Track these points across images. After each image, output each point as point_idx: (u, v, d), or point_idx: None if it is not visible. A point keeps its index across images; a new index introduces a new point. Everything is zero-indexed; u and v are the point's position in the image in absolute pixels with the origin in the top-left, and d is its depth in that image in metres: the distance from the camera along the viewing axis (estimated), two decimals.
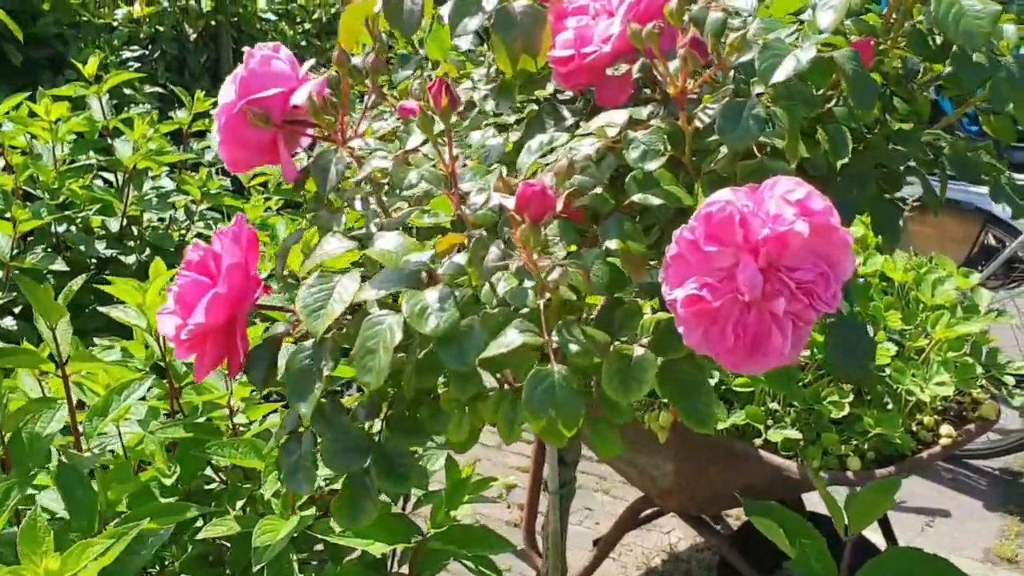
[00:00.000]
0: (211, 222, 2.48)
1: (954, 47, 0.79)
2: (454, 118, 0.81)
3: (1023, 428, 2.86)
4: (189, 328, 0.76)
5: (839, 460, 1.65)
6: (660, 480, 1.83)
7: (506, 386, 0.76)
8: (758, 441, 1.66)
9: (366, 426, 0.85)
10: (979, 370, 1.75)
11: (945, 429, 1.71)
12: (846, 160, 0.77)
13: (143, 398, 1.57)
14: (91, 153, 2.36)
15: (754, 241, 0.65)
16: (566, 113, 0.88)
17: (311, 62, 0.89)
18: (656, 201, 0.70)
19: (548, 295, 0.67)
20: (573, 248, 0.75)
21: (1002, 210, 2.71)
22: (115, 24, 4.77)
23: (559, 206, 0.64)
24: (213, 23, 5.05)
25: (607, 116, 0.74)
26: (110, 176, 2.45)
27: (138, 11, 4.82)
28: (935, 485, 2.83)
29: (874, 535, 1.90)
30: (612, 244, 0.69)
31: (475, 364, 0.67)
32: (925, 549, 2.47)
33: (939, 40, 0.80)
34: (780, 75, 0.69)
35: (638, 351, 0.72)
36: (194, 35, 4.96)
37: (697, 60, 0.69)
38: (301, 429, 0.83)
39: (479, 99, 0.91)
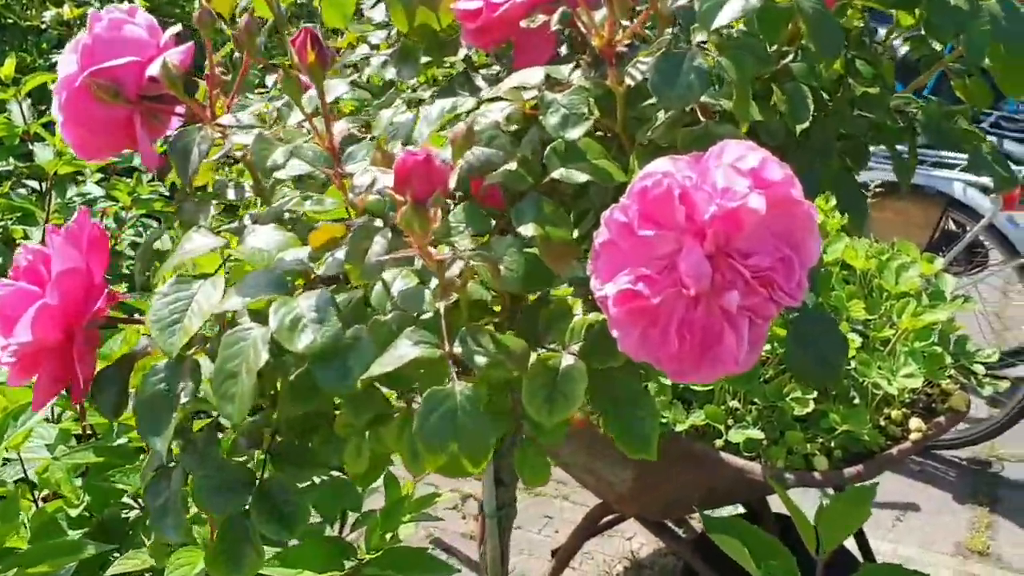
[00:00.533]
0: (143, 229, 2.33)
1: None
2: (346, 90, 0.68)
3: (992, 417, 2.78)
4: (12, 348, 0.62)
5: (805, 459, 1.55)
6: (618, 486, 1.72)
7: (414, 406, 0.63)
8: (719, 442, 1.55)
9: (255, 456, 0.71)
10: (948, 360, 1.65)
11: (915, 423, 1.62)
12: (806, 126, 0.65)
13: (49, 420, 1.42)
14: (10, 159, 2.21)
15: (699, 221, 0.52)
16: (481, 82, 0.75)
17: (176, 27, 0.75)
18: (581, 177, 0.57)
19: (456, 296, 0.54)
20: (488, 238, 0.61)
21: (963, 193, 2.63)
22: (43, 27, 4.56)
23: (453, 182, 0.51)
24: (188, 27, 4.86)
25: (521, 76, 0.61)
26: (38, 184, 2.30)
27: (68, 13, 4.61)
28: (903, 478, 2.74)
29: None
30: (528, 230, 0.56)
31: (358, 385, 0.54)
32: (897, 545, 2.37)
33: None
34: (724, 17, 0.57)
35: (566, 360, 0.59)
36: None
37: (626, 4, 0.56)
38: (172, 464, 0.69)
39: (378, 66, 0.77)
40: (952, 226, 2.91)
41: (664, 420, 1.57)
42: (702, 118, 0.62)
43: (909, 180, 0.80)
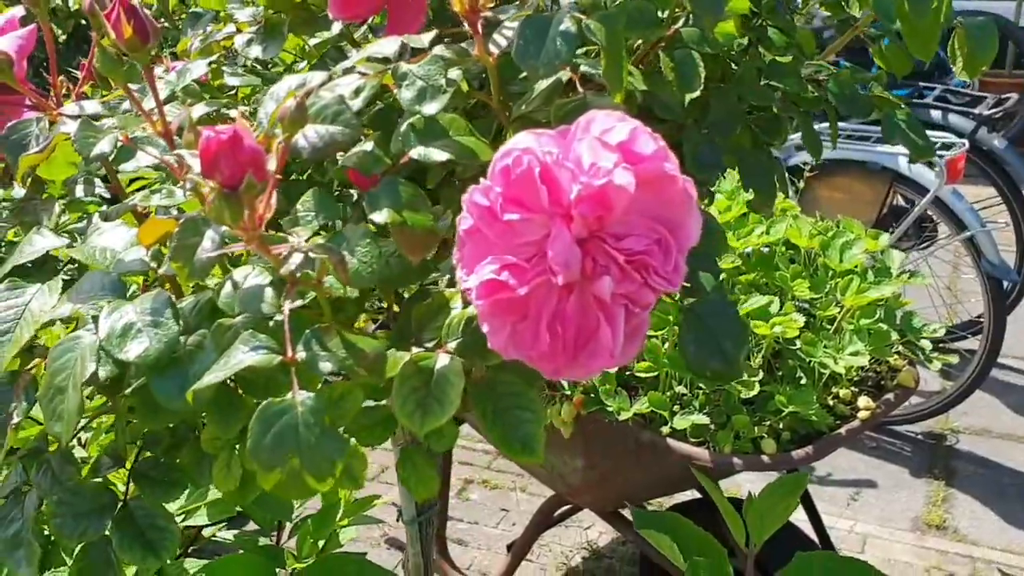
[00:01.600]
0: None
1: None
2: (204, 71, 0.62)
3: (944, 390, 2.78)
4: None
5: (753, 443, 1.51)
6: (570, 477, 1.68)
7: None
8: (666, 429, 1.51)
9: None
10: (895, 336, 1.62)
11: (863, 401, 1.59)
12: (698, 96, 0.59)
13: None
14: None
15: (566, 203, 0.47)
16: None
17: (16, 10, 0.68)
18: (441, 156, 0.51)
19: (311, 295, 0.48)
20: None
21: (908, 168, 2.60)
22: None
23: (273, 163, 0.45)
24: (84, 22, 4.73)
25: (375, 46, 0.55)
26: None
27: None
28: (859, 455, 2.73)
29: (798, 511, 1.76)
30: (381, 217, 0.50)
31: (189, 399, 0.48)
32: (855, 523, 2.35)
33: None
34: None
35: (441, 360, 0.53)
36: (64, 36, 4.63)
37: None
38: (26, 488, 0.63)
39: (241, 45, 0.71)
40: (901, 201, 2.89)
41: (608, 408, 1.52)
42: (580, 89, 0.56)
43: (819, 154, 0.75)
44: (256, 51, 0.70)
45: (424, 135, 0.52)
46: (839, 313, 1.63)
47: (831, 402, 1.60)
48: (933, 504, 2.53)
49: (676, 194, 0.48)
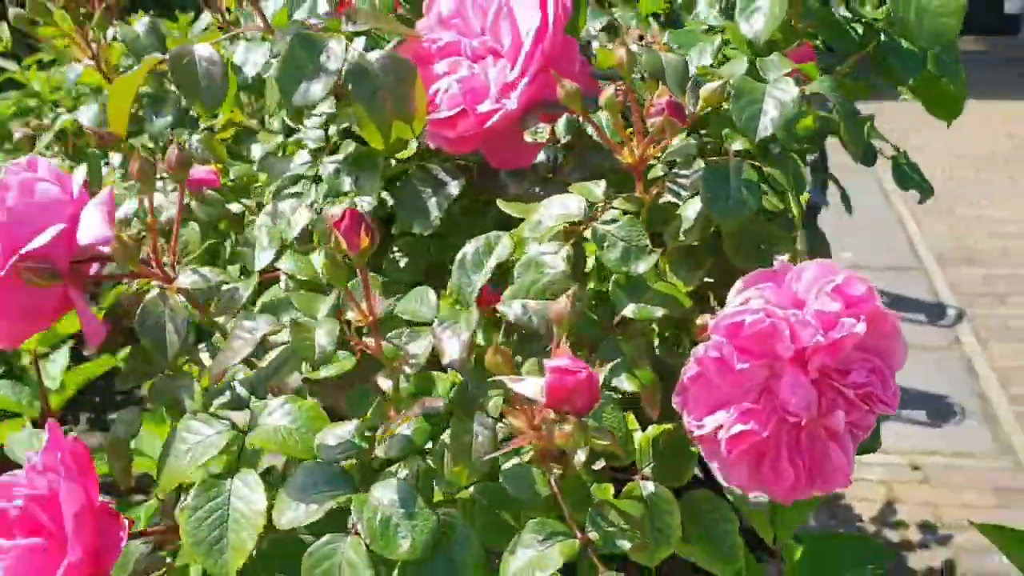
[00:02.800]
0: None
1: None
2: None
3: None
4: None
5: None
6: None
7: None
8: None
9: None
10: None
11: None
12: None
13: None
14: None
15: (800, 350, 0.52)
16: (443, 176, 0.69)
17: (82, 172, 0.63)
18: (657, 312, 0.54)
19: (559, 469, 0.50)
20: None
21: None
22: None
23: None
24: None
25: (557, 206, 0.56)
26: None
27: None
28: None
29: None
30: (627, 385, 0.53)
31: None
32: None
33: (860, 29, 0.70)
34: (767, 128, 0.55)
35: (647, 488, 0.57)
36: None
37: (676, 126, 0.53)
38: None
39: (328, 176, 0.69)
40: None
41: None
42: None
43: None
44: (347, 184, 0.68)
45: (631, 291, 0.55)
46: None
47: None
48: None
49: (888, 327, 0.54)
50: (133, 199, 0.82)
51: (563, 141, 0.60)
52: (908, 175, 0.82)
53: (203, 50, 0.65)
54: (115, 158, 0.95)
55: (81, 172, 0.63)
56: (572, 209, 0.56)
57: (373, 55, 0.62)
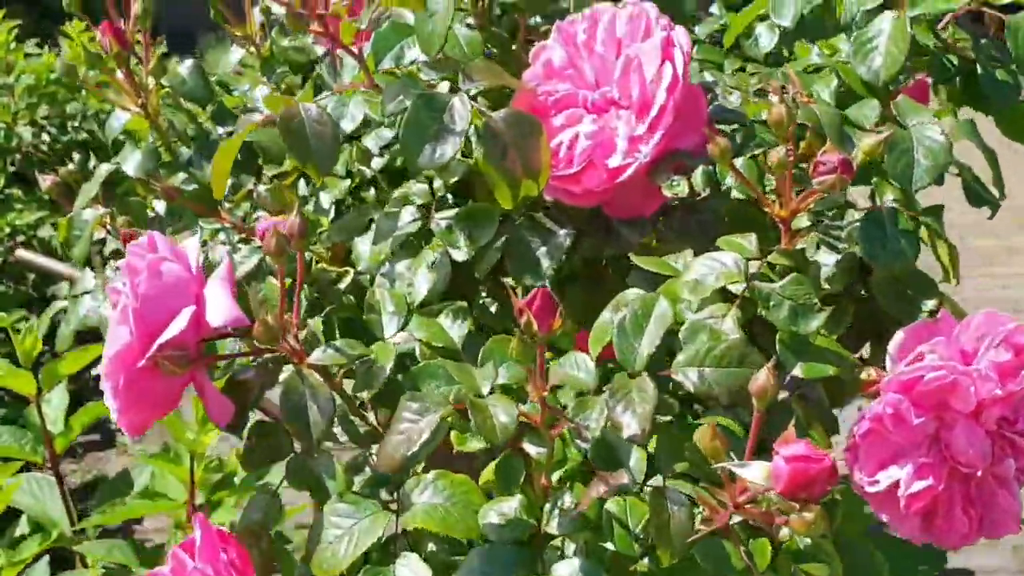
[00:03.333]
0: None
1: None
2: None
3: None
4: None
5: None
6: None
7: None
8: None
9: None
10: None
11: None
12: None
13: None
14: None
15: (975, 403, 0.52)
16: (551, 225, 0.68)
17: (195, 241, 0.60)
18: (829, 370, 0.54)
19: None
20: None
21: None
22: None
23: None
24: None
25: (709, 264, 0.56)
26: None
27: None
28: None
29: None
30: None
31: None
32: None
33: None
34: (922, 178, 0.55)
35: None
36: None
37: (847, 183, 0.53)
38: None
39: (441, 231, 0.67)
40: None
41: None
42: None
43: None
44: (461, 241, 0.65)
45: (798, 350, 0.54)
46: None
47: None
48: None
49: None
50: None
51: (702, 195, 0.59)
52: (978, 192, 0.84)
53: (311, 110, 0.62)
54: (159, 206, 0.92)
55: (194, 245, 0.60)
56: (729, 267, 0.55)
57: (499, 114, 0.60)
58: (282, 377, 0.60)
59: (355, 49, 0.70)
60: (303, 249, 0.61)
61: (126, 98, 0.84)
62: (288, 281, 0.60)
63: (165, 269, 0.56)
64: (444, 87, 0.67)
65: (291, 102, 0.63)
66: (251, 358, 0.60)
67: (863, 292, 0.63)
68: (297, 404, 0.57)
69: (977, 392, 0.52)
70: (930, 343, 0.53)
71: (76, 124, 2.88)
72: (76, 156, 2.80)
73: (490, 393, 0.54)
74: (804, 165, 0.59)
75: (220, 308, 0.57)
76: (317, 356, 0.58)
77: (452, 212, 0.68)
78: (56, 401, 1.56)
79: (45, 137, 2.86)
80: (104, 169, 0.89)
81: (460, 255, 0.69)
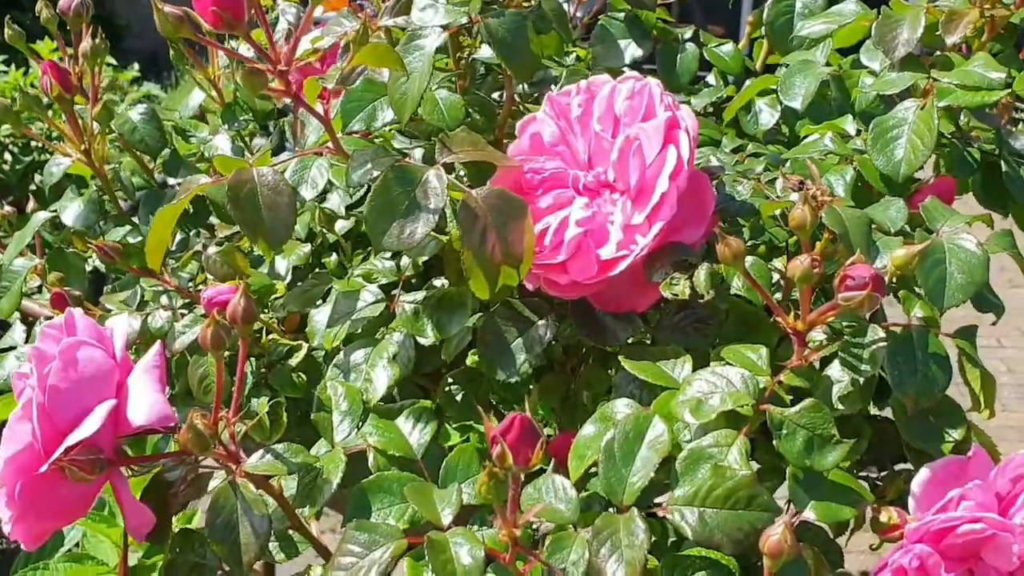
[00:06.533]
0: None
1: None
2: None
3: None
4: None
5: None
6: None
7: None
8: None
9: None
10: None
11: None
12: None
13: None
14: None
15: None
16: (529, 314, 0.61)
17: (122, 326, 0.52)
18: (845, 514, 0.47)
19: None
20: None
21: None
22: None
23: None
24: None
25: (711, 382, 0.48)
26: None
27: None
28: None
29: None
30: None
31: None
32: None
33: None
34: (956, 297, 0.49)
35: None
36: None
37: (876, 302, 0.46)
38: None
39: (406, 316, 0.59)
40: None
41: None
42: None
43: None
44: (429, 327, 0.58)
45: (810, 487, 0.47)
46: None
47: None
48: None
49: None
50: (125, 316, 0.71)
51: (706, 297, 0.52)
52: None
53: (266, 176, 0.55)
54: (98, 260, 0.83)
55: (121, 325, 0.52)
56: (736, 385, 0.48)
57: (479, 191, 0.53)
58: (212, 484, 0.51)
59: (321, 107, 0.62)
60: (247, 336, 0.53)
61: (67, 143, 0.76)
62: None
63: (82, 356, 0.48)
64: (418, 155, 0.61)
65: (244, 164, 0.55)
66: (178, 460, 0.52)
67: (877, 413, 0.56)
68: (227, 521, 0.49)
69: (1021, 551, 0.45)
70: (963, 488, 0.47)
71: (40, 145, 2.80)
72: (37, 178, 2.72)
73: (451, 524, 0.46)
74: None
75: (145, 404, 0.49)
76: (253, 462, 0.50)
77: (420, 295, 0.60)
78: None
79: (7, 157, 2.77)
80: (41, 217, 0.81)
81: (426, 342, 0.61)
